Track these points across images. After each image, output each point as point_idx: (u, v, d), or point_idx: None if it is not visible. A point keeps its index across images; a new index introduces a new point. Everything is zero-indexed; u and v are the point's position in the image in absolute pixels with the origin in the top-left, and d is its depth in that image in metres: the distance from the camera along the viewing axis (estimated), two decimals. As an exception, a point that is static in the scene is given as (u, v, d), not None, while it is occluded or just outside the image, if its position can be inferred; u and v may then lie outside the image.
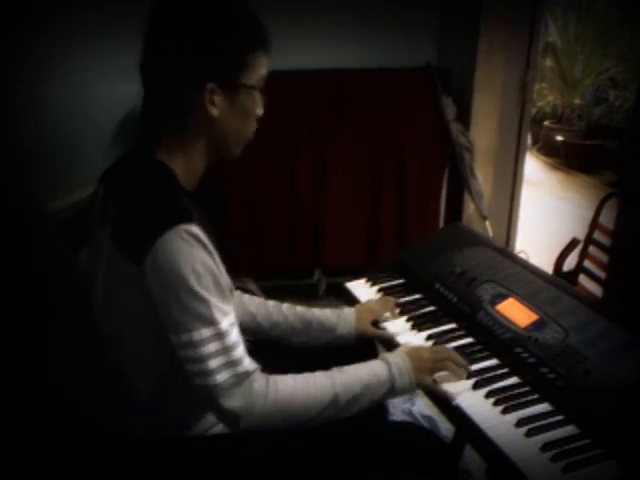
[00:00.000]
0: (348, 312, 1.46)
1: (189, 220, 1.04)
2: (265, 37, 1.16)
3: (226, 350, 1.05)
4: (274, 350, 1.40)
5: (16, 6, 2.10)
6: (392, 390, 1.19)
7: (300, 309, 1.46)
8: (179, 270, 1.02)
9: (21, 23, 2.15)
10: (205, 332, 1.04)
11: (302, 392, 1.11)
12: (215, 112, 1.12)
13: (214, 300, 1.05)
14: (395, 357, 1.22)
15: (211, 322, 1.04)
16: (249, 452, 1.16)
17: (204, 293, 1.04)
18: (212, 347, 1.04)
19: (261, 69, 1.15)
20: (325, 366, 1.19)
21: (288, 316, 1.44)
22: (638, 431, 1.04)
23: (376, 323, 1.47)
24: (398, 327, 1.45)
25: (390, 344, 1.40)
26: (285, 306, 1.46)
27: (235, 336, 1.07)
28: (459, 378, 1.22)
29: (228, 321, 1.07)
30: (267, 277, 2.74)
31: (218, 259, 1.10)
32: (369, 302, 1.53)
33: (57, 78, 2.37)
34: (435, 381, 1.22)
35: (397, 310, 1.50)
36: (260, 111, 1.19)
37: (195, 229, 1.04)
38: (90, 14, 2.36)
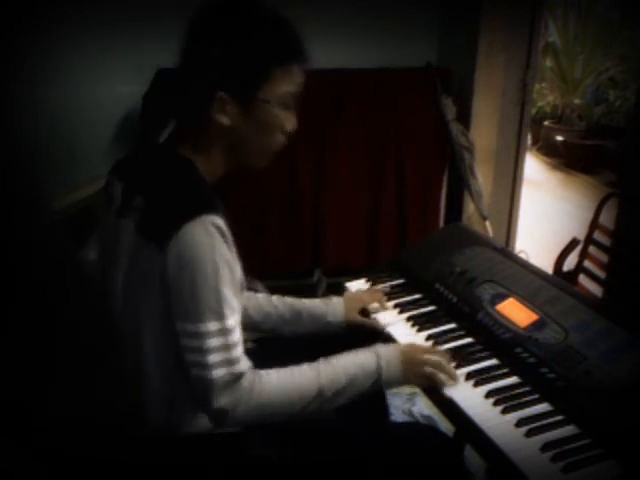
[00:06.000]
0: (337, 300, 1.48)
1: (215, 212, 1.06)
2: (295, 51, 1.14)
3: (227, 347, 1.06)
4: (275, 349, 1.40)
5: (16, 6, 2.10)
6: (378, 382, 1.20)
7: (289, 299, 1.47)
8: (199, 259, 1.04)
9: (21, 23, 2.16)
10: (212, 325, 1.05)
11: (286, 387, 1.13)
12: (225, 121, 1.11)
13: (226, 295, 1.06)
14: (386, 350, 1.23)
15: (219, 316, 1.05)
16: (250, 451, 1.16)
17: (219, 286, 1.05)
18: (215, 342, 1.05)
19: (284, 85, 1.13)
20: None
21: (278, 306, 1.45)
22: (638, 431, 1.04)
23: (367, 314, 1.49)
24: (389, 318, 1.47)
25: (381, 333, 1.43)
26: (274, 297, 1.47)
27: (237, 335, 1.09)
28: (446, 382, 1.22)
29: (234, 318, 1.08)
30: (267, 277, 2.73)
31: (236, 254, 1.12)
32: (357, 292, 1.56)
33: (57, 78, 2.37)
34: (428, 378, 1.22)
35: (388, 302, 1.51)
36: (289, 126, 1.17)
37: (220, 221, 1.06)
38: (90, 14, 2.37)
